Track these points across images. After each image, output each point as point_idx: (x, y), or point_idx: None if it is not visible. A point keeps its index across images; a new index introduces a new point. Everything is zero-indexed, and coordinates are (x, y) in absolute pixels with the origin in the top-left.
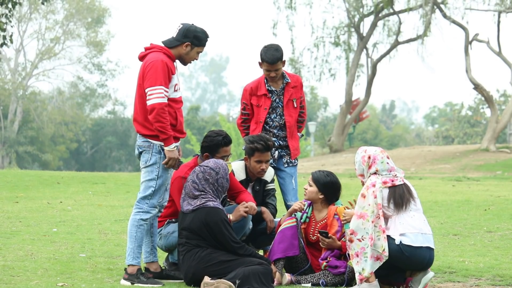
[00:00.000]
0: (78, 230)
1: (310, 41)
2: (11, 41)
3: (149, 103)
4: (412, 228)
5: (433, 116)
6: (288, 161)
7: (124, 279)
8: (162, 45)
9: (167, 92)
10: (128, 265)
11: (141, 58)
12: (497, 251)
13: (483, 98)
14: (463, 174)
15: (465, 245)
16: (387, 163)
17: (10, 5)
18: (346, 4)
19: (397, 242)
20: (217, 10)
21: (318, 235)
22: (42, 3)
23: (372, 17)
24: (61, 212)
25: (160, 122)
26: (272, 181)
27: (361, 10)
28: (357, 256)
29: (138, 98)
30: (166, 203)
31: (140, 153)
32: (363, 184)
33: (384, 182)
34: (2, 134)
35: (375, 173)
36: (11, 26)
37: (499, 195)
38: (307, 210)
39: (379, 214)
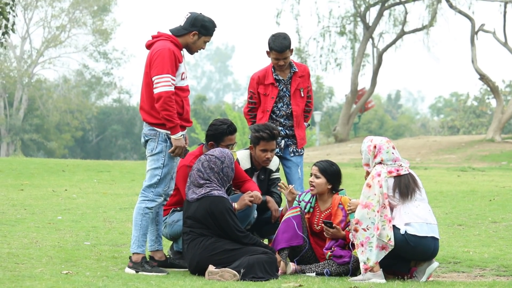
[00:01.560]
0: (83, 218)
1: (316, 30)
2: (13, 31)
3: (156, 91)
4: (417, 217)
5: (438, 106)
6: (295, 150)
7: (129, 267)
8: (170, 33)
9: (174, 80)
10: (133, 253)
11: (148, 46)
12: (502, 242)
13: (488, 89)
14: (468, 164)
15: (470, 235)
16: (392, 153)
17: None
18: None
19: (402, 232)
20: None
21: (322, 225)
22: None
23: (378, 7)
24: (66, 200)
25: (167, 111)
26: (277, 170)
27: None
28: (362, 245)
29: (145, 86)
30: (171, 192)
31: (146, 141)
32: (368, 174)
33: (390, 172)
34: (8, 121)
35: (380, 163)
36: (14, 16)
37: (504, 185)
38: (311, 200)
39: (384, 204)
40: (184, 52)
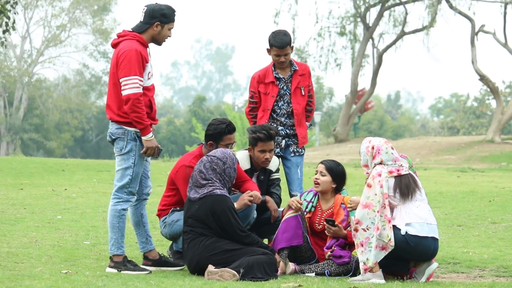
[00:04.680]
0: (83, 218)
1: (315, 30)
2: (14, 29)
3: (124, 93)
4: (417, 218)
5: (438, 106)
6: (295, 150)
7: (110, 267)
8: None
9: (142, 81)
10: (114, 255)
11: (114, 45)
12: (502, 242)
13: (488, 89)
14: (468, 165)
15: (470, 236)
16: (392, 153)
17: None
18: None
19: (402, 232)
20: None
21: (324, 223)
22: None
23: (378, 7)
24: (66, 200)
25: (136, 113)
26: (277, 170)
27: (367, 0)
28: (362, 245)
29: (112, 86)
30: (150, 191)
31: (114, 140)
32: (367, 175)
33: (390, 172)
34: (8, 121)
35: (380, 163)
36: (15, 13)
37: (503, 186)
38: (312, 200)
39: (385, 204)
40: (151, 50)
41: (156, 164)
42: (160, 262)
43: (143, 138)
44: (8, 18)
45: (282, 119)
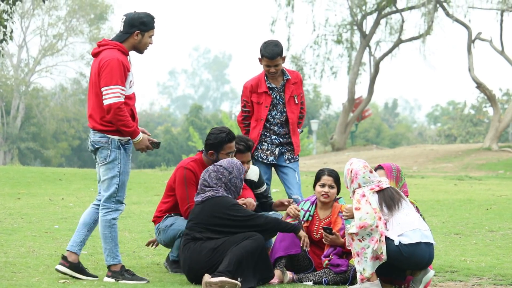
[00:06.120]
0: None
1: (311, 38)
2: (11, 38)
3: (105, 102)
4: (408, 226)
5: (435, 114)
6: (290, 157)
7: (108, 276)
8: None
9: (123, 91)
10: (111, 265)
11: (95, 54)
12: (499, 251)
13: (485, 97)
14: (465, 173)
15: (467, 244)
16: (369, 177)
17: (11, 1)
18: (349, 2)
19: (396, 243)
20: (221, 7)
21: (322, 231)
22: (43, 1)
23: (374, 15)
24: (63, 209)
25: (120, 120)
26: (261, 184)
27: (363, 8)
28: (358, 255)
29: (94, 96)
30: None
31: (97, 149)
32: (353, 194)
33: (371, 189)
34: (5, 130)
35: (358, 187)
36: (12, 23)
37: (501, 194)
38: (310, 209)
39: (380, 216)
40: (131, 58)
41: (154, 173)
42: (77, 267)
43: (133, 141)
44: (5, 27)
45: (276, 128)
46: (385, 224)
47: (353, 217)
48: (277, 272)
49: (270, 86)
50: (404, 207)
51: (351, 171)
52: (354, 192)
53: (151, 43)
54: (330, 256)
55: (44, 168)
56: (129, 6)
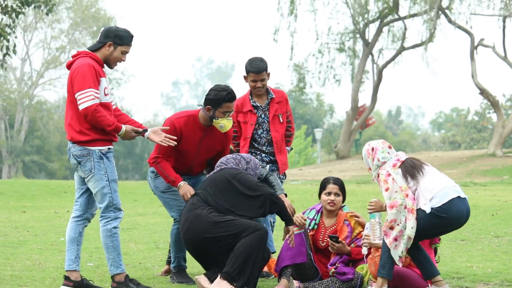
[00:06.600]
0: (86, 239)
1: (314, 47)
2: (14, 52)
3: (80, 107)
4: (437, 187)
5: (439, 121)
6: (277, 176)
7: (113, 287)
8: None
9: (97, 93)
10: (114, 275)
11: (69, 66)
12: (505, 256)
13: (489, 103)
14: (470, 179)
15: (473, 250)
16: (388, 152)
17: (13, 15)
18: (351, 10)
19: (428, 211)
20: (224, 17)
21: (328, 239)
22: (46, 14)
23: (377, 23)
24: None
25: (100, 121)
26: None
27: (366, 16)
28: (396, 240)
29: (70, 105)
30: (95, 213)
31: (79, 162)
32: (377, 180)
33: (393, 165)
34: (9, 143)
35: (381, 166)
36: (15, 37)
37: (506, 200)
38: (315, 217)
39: (407, 194)
40: (106, 68)
41: None
42: (82, 284)
43: (118, 135)
44: (8, 41)
45: (264, 148)
46: (413, 196)
47: (380, 210)
48: (283, 281)
49: (254, 104)
50: (427, 172)
51: (372, 149)
52: (378, 175)
53: (123, 60)
54: (337, 264)
55: (48, 181)
56: (132, 18)
